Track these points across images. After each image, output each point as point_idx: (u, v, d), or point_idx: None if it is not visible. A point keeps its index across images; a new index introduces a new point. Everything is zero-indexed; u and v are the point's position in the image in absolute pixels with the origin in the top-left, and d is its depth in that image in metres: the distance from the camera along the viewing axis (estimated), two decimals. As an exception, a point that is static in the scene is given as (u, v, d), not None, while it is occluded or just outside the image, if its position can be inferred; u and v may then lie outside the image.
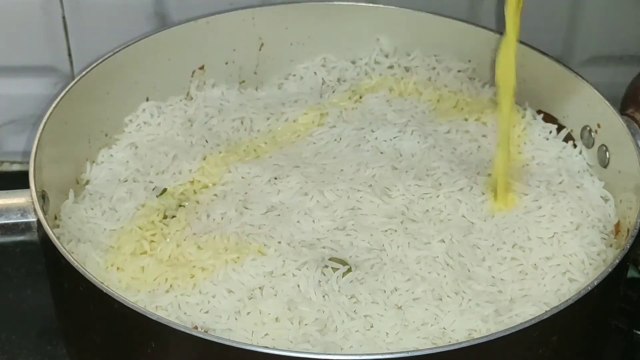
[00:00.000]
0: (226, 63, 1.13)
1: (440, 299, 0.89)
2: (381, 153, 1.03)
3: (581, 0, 1.19)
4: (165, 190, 0.99)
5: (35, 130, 0.95)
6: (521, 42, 1.08)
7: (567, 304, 0.81)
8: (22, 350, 1.06)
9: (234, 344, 0.77)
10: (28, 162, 0.92)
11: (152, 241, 0.95)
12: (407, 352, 0.77)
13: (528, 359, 0.83)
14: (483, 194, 0.98)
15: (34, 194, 0.89)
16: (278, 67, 1.15)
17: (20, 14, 1.16)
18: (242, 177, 1.01)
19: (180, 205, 0.99)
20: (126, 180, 1.01)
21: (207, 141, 1.05)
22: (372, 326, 0.87)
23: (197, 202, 0.99)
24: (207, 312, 0.87)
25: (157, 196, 0.99)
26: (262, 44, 1.14)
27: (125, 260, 0.93)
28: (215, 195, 0.99)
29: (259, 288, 0.89)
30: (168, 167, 1.02)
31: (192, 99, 1.11)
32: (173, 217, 0.97)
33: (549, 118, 1.09)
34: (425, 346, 0.85)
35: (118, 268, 0.93)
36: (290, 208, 0.96)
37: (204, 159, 1.03)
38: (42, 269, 0.95)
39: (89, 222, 0.96)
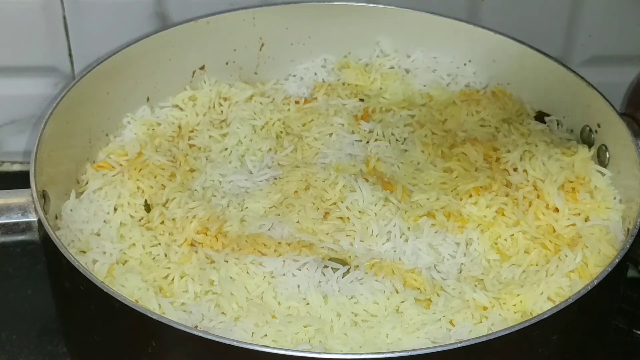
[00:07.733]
0: (227, 63, 1.13)
1: (441, 299, 0.89)
2: (383, 153, 1.03)
3: (581, 0, 1.19)
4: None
5: (36, 130, 0.95)
6: (521, 42, 1.08)
7: (567, 304, 0.81)
8: (22, 350, 1.06)
9: (234, 344, 0.77)
10: (29, 162, 0.92)
11: (153, 241, 0.95)
12: (407, 351, 0.77)
13: (528, 359, 0.83)
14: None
15: (35, 194, 0.89)
16: (278, 67, 1.15)
17: (21, 14, 1.16)
18: (243, 177, 1.01)
19: (180, 205, 0.99)
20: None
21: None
22: (372, 326, 0.87)
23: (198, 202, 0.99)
24: (207, 311, 0.87)
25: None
26: (262, 44, 1.14)
27: (125, 260, 0.93)
28: (215, 194, 0.99)
29: (259, 288, 0.89)
30: (168, 167, 1.02)
31: (192, 99, 1.11)
32: (173, 218, 0.97)
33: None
34: (425, 346, 0.85)
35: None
36: (290, 208, 0.96)
37: (207, 158, 1.03)
38: (42, 269, 0.95)
39: (89, 222, 0.96)
